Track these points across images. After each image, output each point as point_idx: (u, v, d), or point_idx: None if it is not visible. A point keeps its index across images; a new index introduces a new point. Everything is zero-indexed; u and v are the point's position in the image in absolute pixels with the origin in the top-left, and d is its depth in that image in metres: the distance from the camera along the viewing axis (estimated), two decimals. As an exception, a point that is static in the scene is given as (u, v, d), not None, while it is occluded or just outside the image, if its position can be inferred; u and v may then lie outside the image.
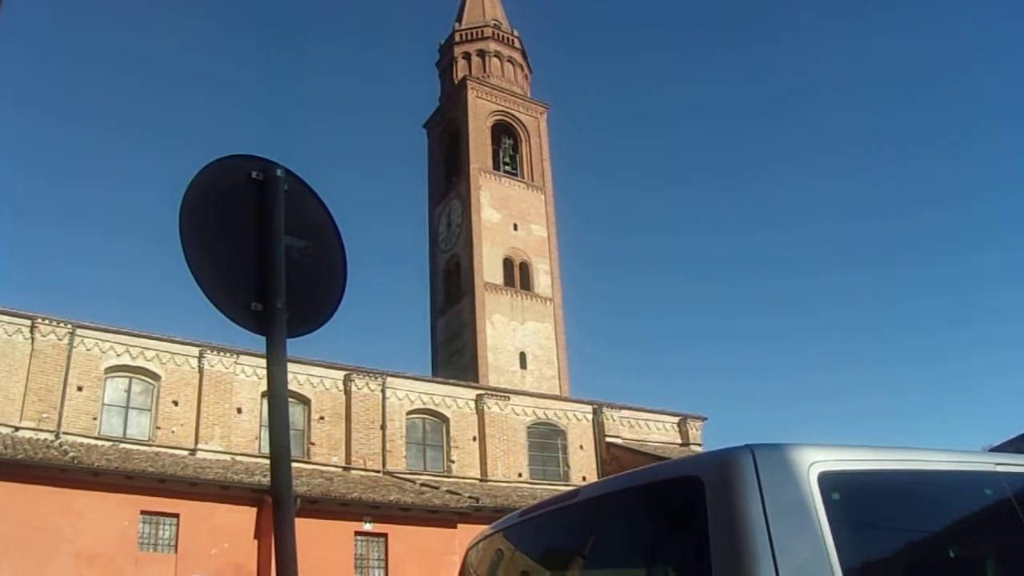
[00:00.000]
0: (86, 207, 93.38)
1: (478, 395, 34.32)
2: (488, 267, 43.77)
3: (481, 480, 32.12)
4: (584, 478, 33.11)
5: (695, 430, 38.23)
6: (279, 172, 3.21)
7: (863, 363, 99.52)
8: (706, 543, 2.46)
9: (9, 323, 26.37)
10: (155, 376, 28.10)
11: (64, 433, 25.51)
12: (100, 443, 25.63)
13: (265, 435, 25.84)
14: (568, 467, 34.77)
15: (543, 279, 45.46)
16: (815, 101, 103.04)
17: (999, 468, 3.02)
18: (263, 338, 3.02)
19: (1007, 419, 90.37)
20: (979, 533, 3.03)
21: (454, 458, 32.66)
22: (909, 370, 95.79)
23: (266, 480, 22.12)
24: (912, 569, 2.79)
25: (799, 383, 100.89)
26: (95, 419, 26.70)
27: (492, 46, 51.48)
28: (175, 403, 28.06)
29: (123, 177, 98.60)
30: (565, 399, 38.44)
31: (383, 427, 31.37)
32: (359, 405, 31.24)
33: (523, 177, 48.14)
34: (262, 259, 3.07)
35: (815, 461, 2.59)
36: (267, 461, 3.09)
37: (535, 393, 37.91)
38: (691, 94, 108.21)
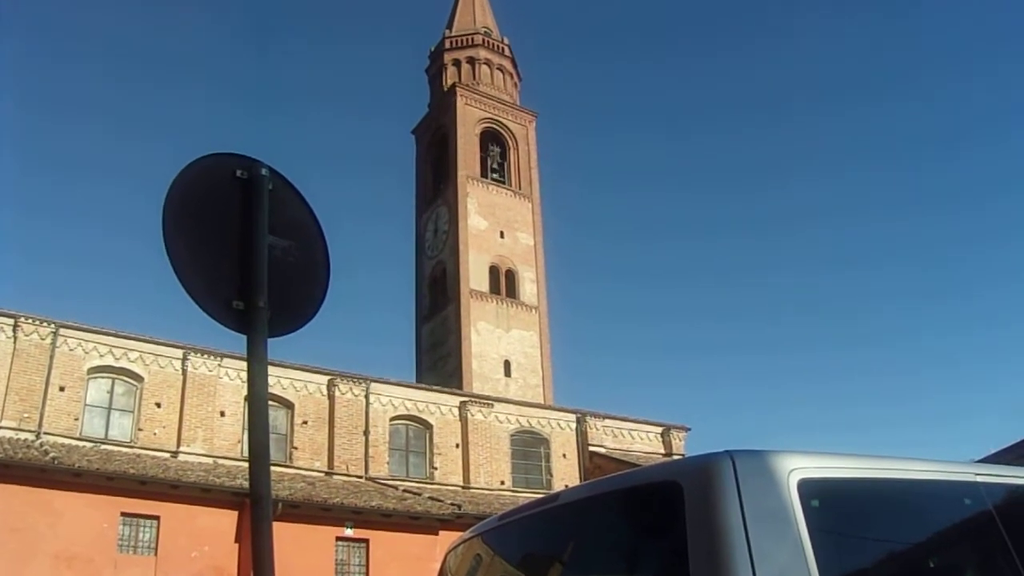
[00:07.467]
0: (70, 204, 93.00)
1: (462, 402, 34.28)
2: (474, 274, 43.75)
3: (464, 487, 32.07)
4: (567, 487, 32.97)
5: (678, 440, 38.28)
6: (264, 171, 3.18)
7: (852, 373, 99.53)
8: (685, 548, 2.45)
9: (-9, 322, 26.22)
10: (138, 377, 27.97)
11: (45, 433, 25.35)
12: (81, 444, 25.49)
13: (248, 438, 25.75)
14: (551, 475, 34.74)
15: (529, 287, 45.45)
16: (805, 104, 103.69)
17: (979, 478, 3.04)
18: (245, 337, 3.00)
19: (1003, 429, 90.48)
20: (958, 542, 3.04)
21: (437, 465, 32.60)
22: (900, 379, 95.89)
23: (248, 483, 22.05)
24: (891, 577, 2.79)
25: (785, 394, 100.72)
26: (77, 420, 26.56)
27: (482, 53, 51.53)
28: (158, 405, 27.94)
29: (108, 174, 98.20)
30: (549, 407, 38.42)
31: (366, 433, 31.30)
32: (342, 410, 31.17)
33: (511, 185, 48.17)
34: (245, 258, 3.05)
35: (795, 468, 2.59)
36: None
37: (519, 401, 37.89)
38: (679, 100, 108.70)
